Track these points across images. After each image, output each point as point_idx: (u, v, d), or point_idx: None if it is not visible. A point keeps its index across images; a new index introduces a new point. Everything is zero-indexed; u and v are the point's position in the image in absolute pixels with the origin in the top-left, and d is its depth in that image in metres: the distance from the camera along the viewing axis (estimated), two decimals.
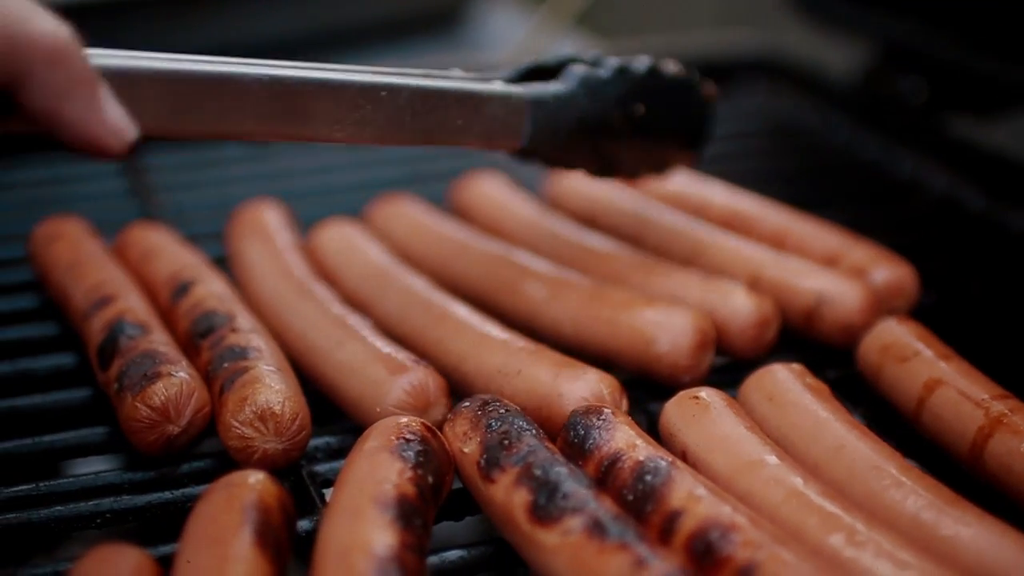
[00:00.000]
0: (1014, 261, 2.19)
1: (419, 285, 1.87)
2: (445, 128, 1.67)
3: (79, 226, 2.05)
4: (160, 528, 1.52)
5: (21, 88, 1.25)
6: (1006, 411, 1.49)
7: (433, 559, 1.38)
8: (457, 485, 1.47)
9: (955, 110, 2.82)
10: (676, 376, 1.70)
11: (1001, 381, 1.59)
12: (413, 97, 1.62)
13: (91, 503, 1.50)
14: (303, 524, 1.44)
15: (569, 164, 1.88)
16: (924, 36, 2.81)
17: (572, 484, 1.30)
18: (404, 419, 1.42)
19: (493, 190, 2.29)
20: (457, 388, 1.66)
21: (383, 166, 2.62)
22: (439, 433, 1.45)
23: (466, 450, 1.43)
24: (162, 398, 1.52)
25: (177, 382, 1.53)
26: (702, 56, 3.24)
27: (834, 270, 1.90)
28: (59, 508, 1.49)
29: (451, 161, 2.57)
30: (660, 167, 1.97)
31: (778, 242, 2.03)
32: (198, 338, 1.68)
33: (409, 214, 2.17)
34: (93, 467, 1.85)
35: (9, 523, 1.47)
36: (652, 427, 1.61)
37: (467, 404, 1.50)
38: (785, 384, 1.58)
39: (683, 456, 1.48)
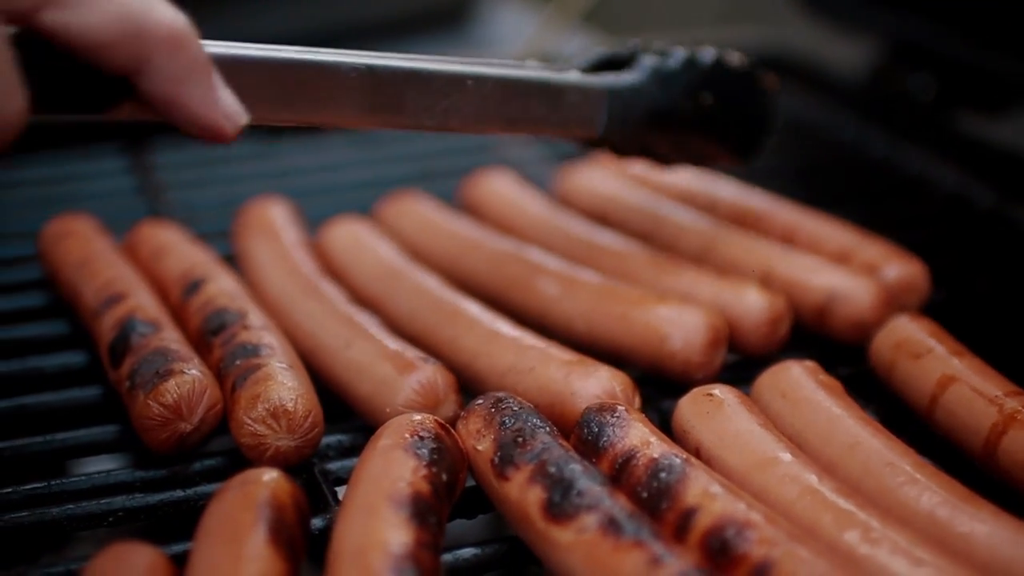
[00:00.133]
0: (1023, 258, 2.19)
1: (430, 283, 1.87)
2: (526, 117, 1.72)
3: (89, 224, 2.05)
4: (169, 527, 1.52)
5: (141, 73, 1.28)
6: (1020, 408, 1.48)
7: (447, 557, 1.38)
8: (470, 483, 1.46)
9: (964, 107, 2.81)
10: (689, 373, 1.70)
11: (1012, 378, 1.58)
12: (497, 86, 1.66)
13: (103, 501, 1.50)
14: (316, 522, 1.43)
15: (638, 153, 1.92)
16: (932, 33, 2.80)
17: (587, 481, 1.30)
18: (418, 417, 1.42)
19: (503, 187, 2.28)
20: (469, 386, 1.66)
21: (391, 163, 2.62)
22: (452, 430, 1.44)
23: (479, 448, 1.43)
24: (174, 396, 1.51)
25: (189, 379, 1.53)
26: None
27: (846, 267, 1.90)
28: (71, 506, 1.49)
29: (460, 158, 2.57)
30: (724, 158, 2.01)
31: (788, 239, 2.03)
32: (210, 335, 1.68)
33: (419, 211, 2.17)
34: (100, 466, 1.85)
35: (22, 521, 1.46)
36: (664, 424, 1.60)
37: (480, 401, 1.49)
38: (799, 381, 1.58)
39: (697, 453, 1.47)
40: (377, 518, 1.23)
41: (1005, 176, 2.44)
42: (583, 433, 1.44)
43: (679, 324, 1.70)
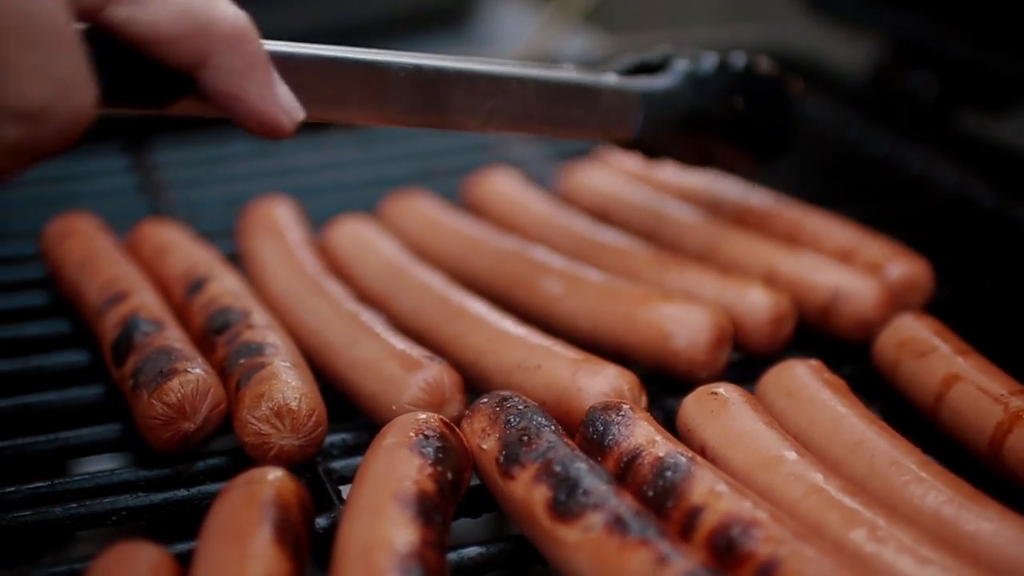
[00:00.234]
0: None
1: (435, 281, 1.86)
2: (566, 118, 1.76)
3: (91, 222, 2.05)
4: (172, 526, 1.52)
5: (203, 68, 1.30)
6: None
7: (451, 556, 1.38)
8: (474, 482, 1.46)
9: (965, 106, 2.81)
10: (693, 372, 1.70)
11: (1016, 376, 1.58)
12: (540, 88, 1.70)
13: (107, 500, 1.49)
14: (320, 521, 1.43)
15: (670, 155, 1.97)
16: (934, 32, 2.80)
17: (592, 480, 1.29)
18: (422, 415, 1.42)
19: (505, 186, 2.28)
20: (474, 384, 1.66)
21: (393, 162, 2.62)
22: (457, 429, 1.44)
23: (484, 447, 1.42)
24: (178, 395, 1.51)
25: (193, 378, 1.52)
26: (712, 52, 3.24)
27: (849, 266, 1.89)
28: (74, 505, 1.48)
29: (462, 157, 2.57)
30: (748, 162, 2.05)
31: (791, 238, 2.03)
32: (213, 334, 1.67)
33: (422, 210, 2.17)
34: (100, 466, 1.85)
35: (25, 520, 1.46)
36: (669, 423, 1.60)
37: (485, 400, 1.49)
38: (803, 380, 1.57)
39: (702, 452, 1.47)
40: (383, 517, 1.23)
41: (1007, 174, 2.44)
42: (588, 432, 1.44)
43: (683, 323, 1.70)
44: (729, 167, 2.06)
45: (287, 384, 1.51)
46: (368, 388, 1.62)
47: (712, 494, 1.29)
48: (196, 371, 1.54)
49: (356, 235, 2.05)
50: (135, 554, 1.24)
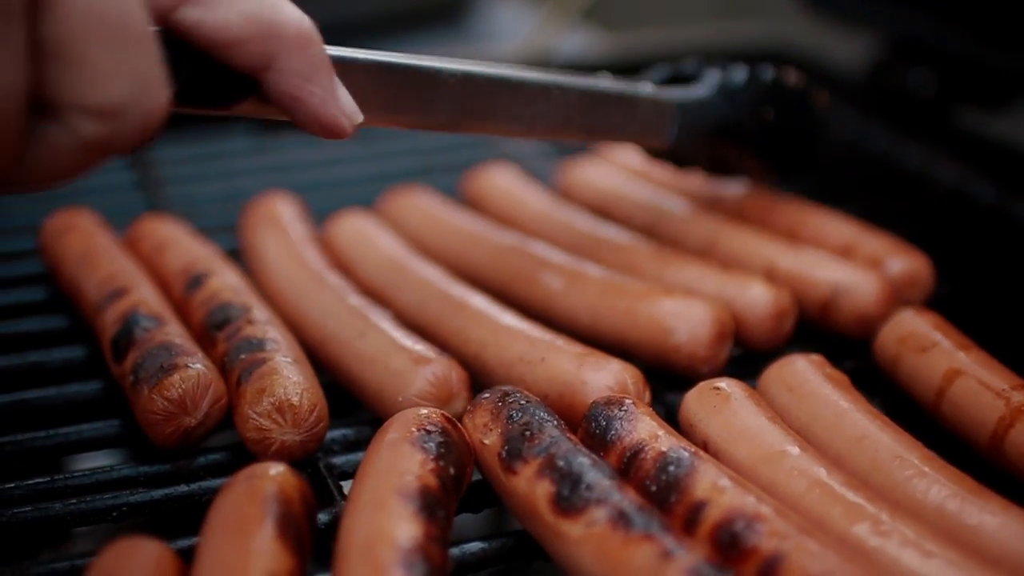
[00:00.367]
0: None
1: (436, 276, 1.86)
2: (605, 126, 1.83)
3: (90, 218, 2.04)
4: (172, 522, 1.51)
5: (268, 71, 1.33)
6: None
7: (453, 551, 1.37)
8: (476, 477, 1.46)
9: (964, 102, 2.81)
10: (694, 367, 1.70)
11: (1017, 371, 1.58)
12: (581, 97, 1.75)
13: (107, 496, 1.49)
14: (321, 517, 1.42)
15: (699, 164, 2.03)
16: (933, 28, 2.80)
17: (595, 475, 1.29)
18: (424, 410, 1.42)
19: (505, 182, 2.28)
20: (477, 377, 1.66)
21: (392, 158, 2.62)
22: (459, 424, 1.44)
23: (487, 442, 1.42)
24: (179, 390, 1.50)
25: (194, 374, 1.52)
26: (710, 49, 3.24)
27: (850, 261, 1.89)
28: (74, 501, 1.48)
29: (461, 153, 2.56)
30: (775, 173, 2.10)
31: (792, 234, 2.02)
32: (214, 330, 1.67)
33: (422, 206, 2.16)
34: (96, 462, 1.84)
35: (25, 516, 1.46)
36: (670, 418, 1.60)
37: (487, 395, 1.49)
38: (805, 375, 1.57)
39: (704, 447, 1.47)
40: (385, 512, 1.23)
41: (1006, 171, 2.44)
42: (591, 427, 1.44)
43: (685, 318, 1.70)
44: (754, 178, 2.09)
45: (288, 379, 1.51)
46: (374, 380, 1.62)
47: (715, 489, 1.28)
48: (197, 366, 1.53)
49: (357, 230, 2.05)
50: (137, 550, 1.23)
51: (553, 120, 1.73)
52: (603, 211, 2.19)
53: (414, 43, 3.56)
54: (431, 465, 1.31)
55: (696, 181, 2.21)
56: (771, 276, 1.88)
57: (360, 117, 1.42)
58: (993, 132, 2.70)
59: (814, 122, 2.09)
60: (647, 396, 1.58)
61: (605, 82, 1.81)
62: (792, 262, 1.89)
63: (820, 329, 1.86)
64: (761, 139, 2.02)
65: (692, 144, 1.94)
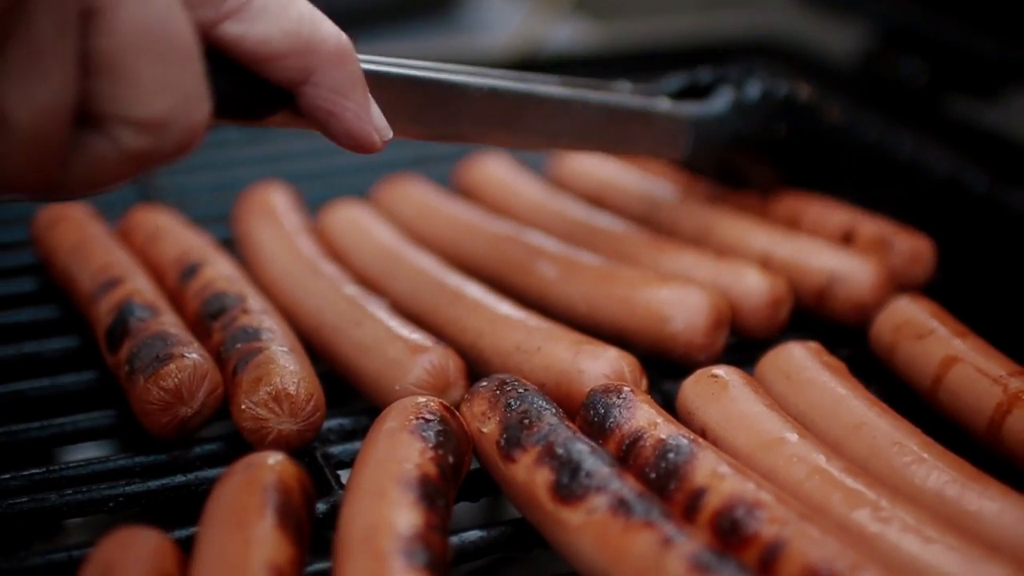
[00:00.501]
0: (1018, 240, 2.19)
1: (431, 265, 1.86)
2: (623, 140, 1.88)
3: (82, 209, 2.03)
4: (169, 512, 1.51)
5: (306, 85, 1.35)
6: None
7: (453, 540, 1.37)
8: (474, 466, 1.45)
9: (956, 91, 2.81)
10: (691, 355, 1.70)
11: (1011, 358, 1.58)
12: (601, 112, 1.80)
13: (104, 487, 1.48)
14: (319, 506, 1.42)
15: (712, 174, 2.08)
16: (924, 17, 2.80)
17: (595, 462, 1.29)
18: (422, 399, 1.41)
19: (498, 171, 2.27)
20: (473, 366, 1.65)
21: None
22: (457, 413, 1.43)
23: (485, 430, 1.42)
24: (175, 380, 1.50)
25: (190, 363, 1.51)
26: (700, 39, 3.24)
27: (845, 249, 1.89)
28: (70, 492, 1.47)
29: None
30: (786, 183, 2.13)
31: (793, 221, 2.03)
32: (209, 319, 1.66)
33: (416, 195, 2.16)
34: (88, 453, 1.83)
35: (21, 507, 1.45)
36: (667, 406, 1.59)
37: (484, 384, 1.48)
38: (802, 362, 1.57)
39: (702, 434, 1.47)
40: (386, 500, 1.22)
41: (998, 159, 2.45)
42: (589, 415, 1.44)
43: (682, 305, 1.70)
44: (764, 188, 2.12)
45: (285, 368, 1.51)
46: (371, 369, 1.61)
47: (715, 475, 1.28)
48: (193, 356, 1.53)
49: (351, 220, 2.04)
50: (136, 539, 1.22)
51: (573, 134, 1.78)
52: (597, 200, 2.19)
53: (404, 35, 3.56)
54: (430, 453, 1.31)
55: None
56: (767, 264, 1.88)
57: (390, 133, 1.44)
58: (985, 120, 2.70)
59: (826, 136, 2.13)
60: (644, 384, 1.58)
61: (624, 97, 1.86)
62: (788, 250, 1.89)
63: (816, 317, 1.86)
64: (772, 152, 2.06)
65: (706, 156, 2.00)
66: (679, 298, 1.70)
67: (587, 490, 1.26)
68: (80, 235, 1.91)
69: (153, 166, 1.16)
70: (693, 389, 1.53)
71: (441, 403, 1.41)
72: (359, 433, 1.59)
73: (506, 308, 1.72)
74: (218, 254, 1.87)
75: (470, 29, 3.85)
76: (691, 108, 1.96)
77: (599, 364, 1.55)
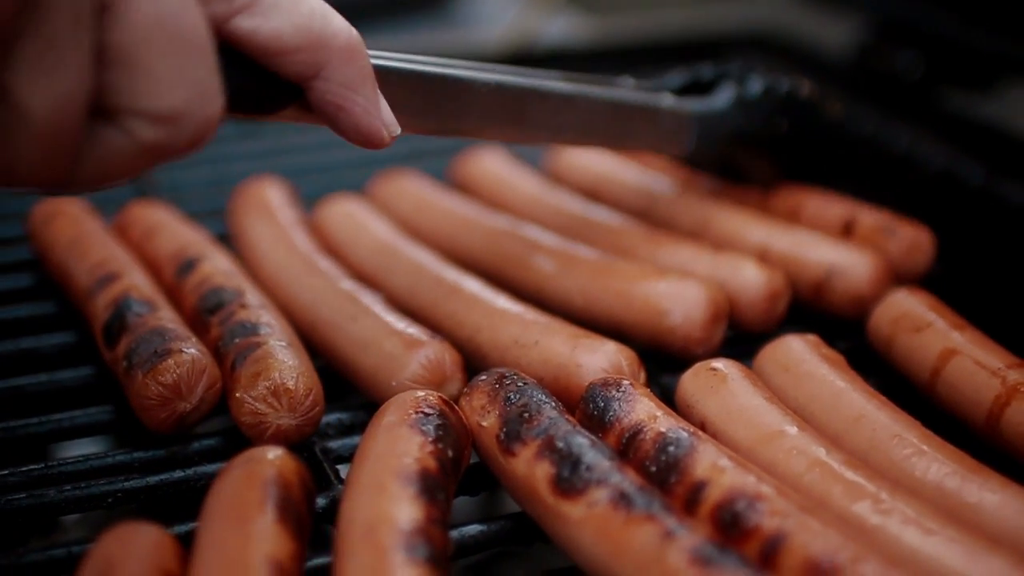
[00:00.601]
0: (1015, 233, 2.19)
1: (428, 260, 1.86)
2: (627, 135, 1.89)
3: (78, 204, 2.02)
4: (167, 507, 1.50)
5: (316, 79, 1.34)
6: (1023, 380, 1.48)
7: (453, 534, 1.37)
8: (473, 460, 1.45)
9: (952, 84, 2.82)
10: (689, 348, 1.70)
11: (1012, 350, 1.59)
12: (605, 107, 1.80)
13: (103, 482, 1.48)
14: (318, 501, 1.42)
15: (714, 169, 2.09)
16: (919, 11, 2.80)
17: (595, 456, 1.29)
18: (421, 393, 1.41)
19: (494, 165, 2.27)
20: (471, 360, 1.65)
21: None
22: (456, 407, 1.43)
23: (484, 424, 1.41)
24: (173, 375, 1.49)
25: (188, 358, 1.51)
26: (694, 33, 3.23)
27: (843, 242, 1.89)
28: (68, 487, 1.47)
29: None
30: (788, 177, 2.13)
31: (793, 214, 2.03)
32: (207, 314, 1.66)
33: (413, 190, 2.15)
34: (85, 449, 1.83)
35: (19, 503, 1.44)
36: (665, 400, 1.58)
37: (483, 378, 1.48)
38: (801, 355, 1.57)
39: (702, 428, 1.47)
40: (386, 495, 1.22)
41: (994, 152, 2.45)
42: (589, 408, 1.43)
43: (679, 299, 1.69)
44: (764, 182, 2.12)
45: (284, 363, 1.50)
46: (368, 364, 1.61)
47: (715, 468, 1.28)
48: (191, 351, 1.52)
49: (348, 214, 2.04)
50: (137, 535, 1.22)
51: (577, 129, 1.78)
52: (594, 194, 2.18)
53: (399, 29, 3.55)
54: (430, 447, 1.31)
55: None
56: (764, 257, 1.88)
57: (398, 129, 1.43)
58: (980, 114, 2.70)
59: (827, 132, 2.14)
60: (642, 378, 1.58)
61: (627, 92, 1.87)
62: (785, 243, 1.89)
63: (813, 310, 1.86)
64: (774, 148, 2.07)
65: (709, 152, 2.01)
66: (677, 291, 1.70)
67: (588, 483, 1.26)
68: (77, 230, 1.91)
69: (166, 159, 1.17)
70: (692, 382, 1.53)
71: (440, 397, 1.41)
72: (358, 428, 1.59)
73: (503, 302, 1.71)
74: (215, 249, 1.87)
75: (465, 23, 3.85)
76: (694, 104, 1.97)
77: (597, 358, 1.55)
